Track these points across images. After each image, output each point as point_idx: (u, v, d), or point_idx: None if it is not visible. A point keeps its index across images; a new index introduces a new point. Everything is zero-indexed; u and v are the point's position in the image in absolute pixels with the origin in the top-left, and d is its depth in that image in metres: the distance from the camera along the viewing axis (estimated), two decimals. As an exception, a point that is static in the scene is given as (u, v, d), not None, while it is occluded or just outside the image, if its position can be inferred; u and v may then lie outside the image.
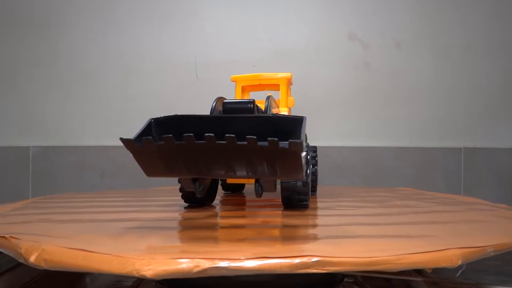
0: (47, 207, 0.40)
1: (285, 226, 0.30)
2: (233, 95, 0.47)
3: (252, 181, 0.41)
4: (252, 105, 0.34)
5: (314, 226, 0.30)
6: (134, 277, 0.25)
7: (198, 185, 0.31)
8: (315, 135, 0.64)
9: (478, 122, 0.70)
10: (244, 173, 0.27)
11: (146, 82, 0.70)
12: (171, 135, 0.26)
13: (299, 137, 0.28)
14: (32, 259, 0.22)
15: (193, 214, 0.35)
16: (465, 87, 0.71)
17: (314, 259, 0.21)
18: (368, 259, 0.21)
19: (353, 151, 0.69)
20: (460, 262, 0.22)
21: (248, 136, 0.25)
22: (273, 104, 0.40)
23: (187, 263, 0.20)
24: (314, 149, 0.49)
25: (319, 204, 0.41)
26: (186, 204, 0.39)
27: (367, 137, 0.70)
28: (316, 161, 0.50)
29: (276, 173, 0.27)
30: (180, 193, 0.38)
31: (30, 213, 0.37)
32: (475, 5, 0.70)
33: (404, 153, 0.69)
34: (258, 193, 0.30)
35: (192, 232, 0.28)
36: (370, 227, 0.29)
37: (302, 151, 0.25)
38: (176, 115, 0.31)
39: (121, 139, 0.26)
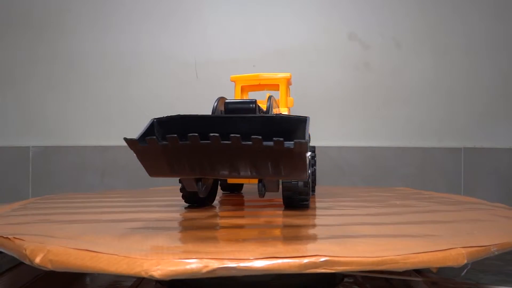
0: (47, 208, 0.39)
1: (288, 226, 0.30)
2: (232, 95, 0.47)
3: (253, 181, 0.42)
4: (254, 105, 0.34)
5: (317, 226, 0.30)
6: (134, 277, 0.25)
7: (201, 186, 0.31)
8: (314, 135, 0.64)
9: (478, 122, 0.70)
10: (248, 173, 0.27)
11: (146, 82, 0.70)
12: (175, 135, 0.25)
13: (303, 137, 0.28)
14: (37, 260, 0.22)
15: (195, 214, 0.35)
16: (465, 87, 0.71)
17: (322, 259, 0.21)
18: (376, 259, 0.21)
19: (353, 151, 0.69)
20: (465, 261, 0.23)
21: (253, 136, 0.25)
22: (274, 104, 0.40)
23: (196, 263, 0.20)
24: (313, 149, 0.49)
25: (319, 204, 0.41)
26: (186, 204, 0.39)
27: (367, 137, 0.70)
28: (315, 161, 0.50)
29: (280, 173, 0.27)
30: (181, 193, 0.38)
31: (30, 213, 0.36)
32: (475, 5, 0.70)
33: (404, 153, 0.69)
34: (261, 193, 0.30)
35: (196, 232, 0.28)
36: (373, 227, 0.29)
37: (307, 151, 0.25)
38: (179, 115, 0.30)
39: (125, 139, 0.26)
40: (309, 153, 0.25)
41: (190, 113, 0.31)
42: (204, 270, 0.20)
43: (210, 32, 0.70)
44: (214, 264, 0.20)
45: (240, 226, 0.30)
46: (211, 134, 0.25)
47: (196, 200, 0.38)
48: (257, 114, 0.34)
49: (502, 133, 0.70)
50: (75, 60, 0.70)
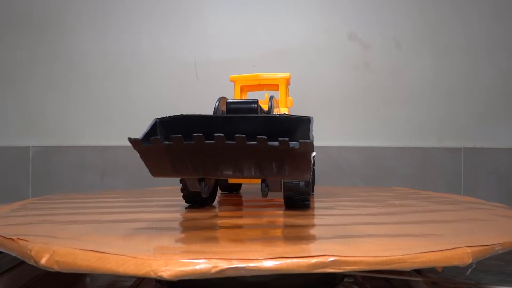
0: (46, 208, 0.39)
1: (291, 226, 0.30)
2: (232, 95, 0.47)
3: (254, 181, 0.42)
4: (256, 105, 0.34)
5: (320, 226, 0.30)
6: (135, 277, 0.25)
7: (204, 186, 0.31)
8: (314, 134, 0.63)
9: (478, 122, 0.70)
10: (252, 173, 0.27)
11: (146, 82, 0.70)
12: (180, 135, 0.25)
13: (307, 137, 0.28)
14: (43, 261, 0.21)
15: (197, 214, 0.35)
16: (465, 87, 0.71)
17: (331, 258, 0.21)
18: (384, 258, 0.21)
19: (353, 151, 0.69)
20: (471, 261, 0.23)
21: (259, 136, 0.25)
22: (274, 104, 0.40)
23: (204, 263, 0.20)
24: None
25: (319, 204, 0.41)
26: (187, 204, 0.39)
27: (367, 137, 0.70)
28: (314, 161, 0.50)
29: (284, 173, 0.27)
30: (181, 193, 0.38)
31: (30, 214, 0.36)
32: (475, 5, 0.70)
33: (404, 153, 0.69)
34: (264, 193, 0.30)
35: (200, 232, 0.28)
36: (376, 227, 0.29)
37: (312, 151, 0.25)
38: (182, 115, 0.30)
39: (129, 139, 0.26)
40: (313, 153, 0.25)
41: (191, 113, 0.31)
42: (213, 271, 0.20)
43: (210, 32, 0.70)
44: (223, 265, 0.20)
45: (243, 226, 0.30)
46: (216, 134, 0.25)
47: (196, 200, 0.38)
48: (261, 114, 0.34)
49: (502, 133, 0.70)
50: (75, 60, 0.70)
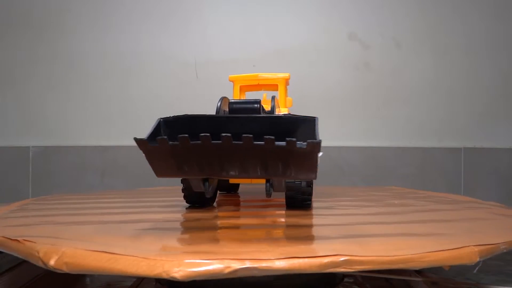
0: (45, 209, 0.39)
1: (297, 226, 0.30)
2: (232, 95, 0.47)
3: (255, 181, 0.42)
4: (258, 105, 0.34)
5: (325, 225, 0.30)
6: (135, 277, 0.25)
7: (208, 186, 0.31)
8: (315, 135, 0.64)
9: (478, 122, 0.70)
10: (258, 173, 0.27)
11: (146, 82, 0.70)
12: (187, 135, 0.25)
13: (313, 137, 0.28)
14: (52, 262, 0.21)
15: (200, 214, 0.35)
16: (465, 87, 0.71)
17: (342, 258, 0.21)
18: (394, 258, 0.21)
19: (353, 151, 0.69)
20: (478, 259, 0.23)
21: (266, 137, 0.24)
22: (276, 104, 0.40)
23: (217, 264, 0.20)
24: None
25: (319, 204, 0.41)
26: (187, 205, 0.39)
27: (367, 137, 0.70)
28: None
29: (290, 173, 0.27)
30: (181, 194, 0.38)
31: (31, 215, 0.36)
32: (475, 5, 0.70)
33: (404, 153, 0.69)
34: (268, 193, 0.30)
35: (207, 233, 0.28)
36: (380, 226, 0.29)
37: (319, 151, 0.25)
38: (186, 114, 0.30)
39: (135, 139, 0.26)
40: (320, 153, 0.25)
41: (192, 113, 0.31)
42: (226, 271, 0.20)
43: (210, 32, 0.70)
44: (235, 265, 0.20)
45: (249, 227, 0.30)
46: (223, 134, 0.25)
47: (197, 200, 0.38)
48: (265, 114, 0.34)
49: (502, 133, 0.70)
50: (75, 60, 0.70)
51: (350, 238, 0.25)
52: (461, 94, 0.70)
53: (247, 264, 0.20)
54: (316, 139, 0.25)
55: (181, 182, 0.36)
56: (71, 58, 0.70)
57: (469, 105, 0.70)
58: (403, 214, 0.35)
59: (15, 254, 0.24)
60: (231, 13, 0.70)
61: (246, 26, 0.70)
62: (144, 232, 0.27)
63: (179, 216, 0.34)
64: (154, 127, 0.29)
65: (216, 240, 0.25)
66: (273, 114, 0.37)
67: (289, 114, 0.38)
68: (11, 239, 0.24)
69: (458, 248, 0.23)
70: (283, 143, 0.25)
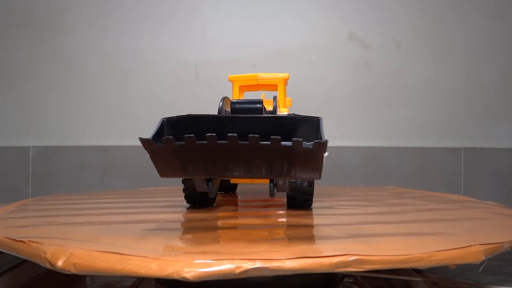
0: (45, 210, 0.39)
1: (300, 226, 0.30)
2: (231, 95, 0.47)
3: (256, 181, 0.42)
4: (261, 105, 0.34)
5: (329, 225, 0.30)
6: (135, 277, 0.25)
7: (211, 186, 0.31)
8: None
9: (478, 122, 0.70)
10: (262, 173, 0.27)
11: (146, 82, 0.70)
12: (193, 135, 0.25)
13: (318, 137, 0.28)
14: (59, 263, 0.21)
15: (202, 215, 0.34)
16: (465, 87, 0.71)
17: (352, 258, 0.21)
18: (403, 257, 0.21)
19: (353, 151, 0.69)
20: (483, 258, 0.23)
21: (272, 137, 0.24)
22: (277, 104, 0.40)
23: (228, 264, 0.20)
24: None
25: (319, 204, 0.41)
26: (188, 205, 0.39)
27: (367, 137, 0.70)
28: None
29: (294, 173, 0.27)
30: (182, 193, 0.38)
31: (31, 216, 0.36)
32: (475, 5, 0.70)
33: (404, 153, 0.69)
34: (272, 193, 0.30)
35: (213, 233, 0.27)
36: (383, 226, 0.30)
37: (325, 151, 0.25)
38: (189, 114, 0.30)
39: (140, 139, 0.25)
40: (326, 153, 0.25)
41: (191, 113, 0.31)
42: (237, 271, 0.19)
43: (210, 32, 0.70)
44: (246, 265, 0.20)
45: (252, 227, 0.30)
46: (229, 134, 0.25)
47: (198, 200, 0.38)
48: (269, 114, 0.34)
49: (502, 133, 0.70)
50: (75, 60, 0.70)
51: (355, 238, 0.25)
52: (461, 94, 0.70)
53: (258, 264, 0.20)
54: (321, 139, 0.25)
55: (182, 182, 0.36)
56: (71, 58, 0.70)
57: (469, 105, 0.70)
58: (403, 214, 0.35)
59: (20, 256, 0.24)
60: (231, 13, 0.70)
61: (246, 26, 0.70)
62: (150, 233, 0.27)
63: (181, 216, 0.34)
64: (158, 127, 0.29)
65: (223, 241, 0.25)
66: (275, 114, 0.37)
67: (293, 114, 0.38)
68: (16, 240, 0.24)
69: (465, 247, 0.23)
70: (289, 143, 0.25)
